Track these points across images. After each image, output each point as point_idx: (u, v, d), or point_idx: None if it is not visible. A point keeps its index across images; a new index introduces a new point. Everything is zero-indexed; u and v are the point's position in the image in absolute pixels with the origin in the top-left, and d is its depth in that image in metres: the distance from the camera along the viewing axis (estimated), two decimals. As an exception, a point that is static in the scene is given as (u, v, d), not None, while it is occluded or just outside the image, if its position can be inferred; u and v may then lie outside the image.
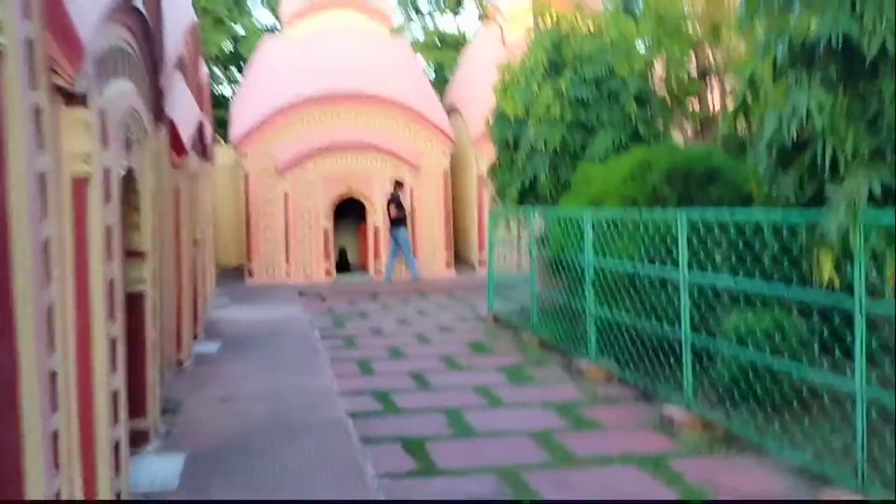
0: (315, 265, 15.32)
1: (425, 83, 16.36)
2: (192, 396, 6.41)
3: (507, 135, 10.47)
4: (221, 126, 20.79)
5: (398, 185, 15.16)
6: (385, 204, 15.08)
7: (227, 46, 22.50)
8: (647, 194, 7.50)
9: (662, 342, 6.49)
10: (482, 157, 15.96)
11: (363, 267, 16.17)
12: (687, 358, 5.85)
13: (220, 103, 22.18)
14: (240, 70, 21.33)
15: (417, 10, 23.47)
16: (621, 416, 6.10)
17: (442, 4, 22.82)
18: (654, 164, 7.59)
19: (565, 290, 8.26)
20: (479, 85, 16.17)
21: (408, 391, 7.07)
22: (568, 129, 9.47)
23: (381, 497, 4.45)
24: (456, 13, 23.00)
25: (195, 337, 8.96)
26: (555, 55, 9.79)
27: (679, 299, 6.01)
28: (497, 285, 14.38)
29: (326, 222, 15.37)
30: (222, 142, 20.31)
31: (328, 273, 15.39)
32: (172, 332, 7.43)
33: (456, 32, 22.50)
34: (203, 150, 9.87)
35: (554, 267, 8.60)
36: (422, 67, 16.78)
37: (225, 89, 23.74)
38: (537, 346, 8.93)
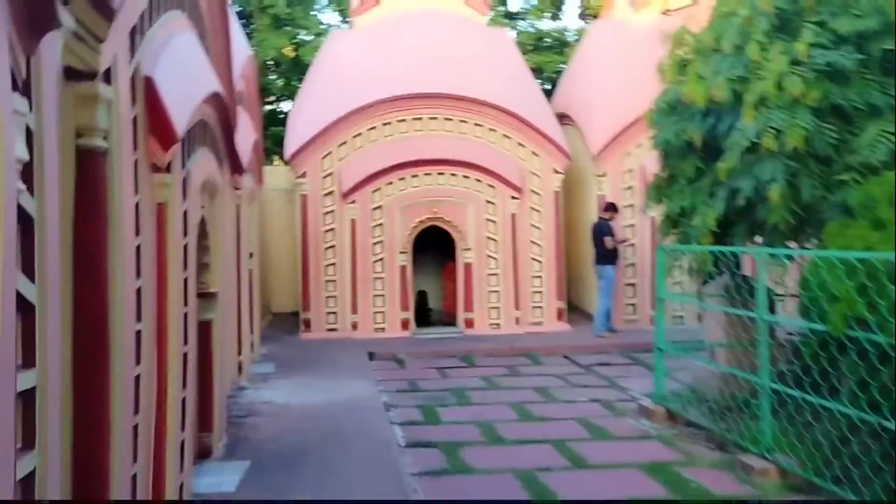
0: (389, 315, 11.81)
1: (531, 83, 12.84)
2: None
3: (691, 132, 6.83)
4: (280, 145, 17.52)
5: (611, 208, 11.72)
6: (593, 233, 11.73)
7: (288, 53, 19.46)
8: None
9: None
10: (605, 177, 12.34)
11: (449, 318, 12.61)
12: None
13: (280, 121, 19.08)
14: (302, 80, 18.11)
15: (511, 17, 19.96)
16: None
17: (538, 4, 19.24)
18: None
19: (860, 395, 4.53)
20: (601, 86, 12.60)
21: None
22: (814, 116, 5.78)
23: None
24: (556, 17, 19.40)
25: (206, 455, 5.50)
26: (785, 2, 6.13)
27: None
28: (637, 348, 10.70)
29: (404, 258, 11.89)
30: (281, 162, 17.17)
31: (406, 326, 11.86)
32: (145, 466, 3.95)
33: (556, 31, 18.92)
34: (232, 156, 6.47)
35: (821, 347, 4.90)
36: (526, 65, 13.24)
37: (285, 105, 20.67)
38: (779, 484, 5.21)
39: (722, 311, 6.80)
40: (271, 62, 18.63)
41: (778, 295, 7.31)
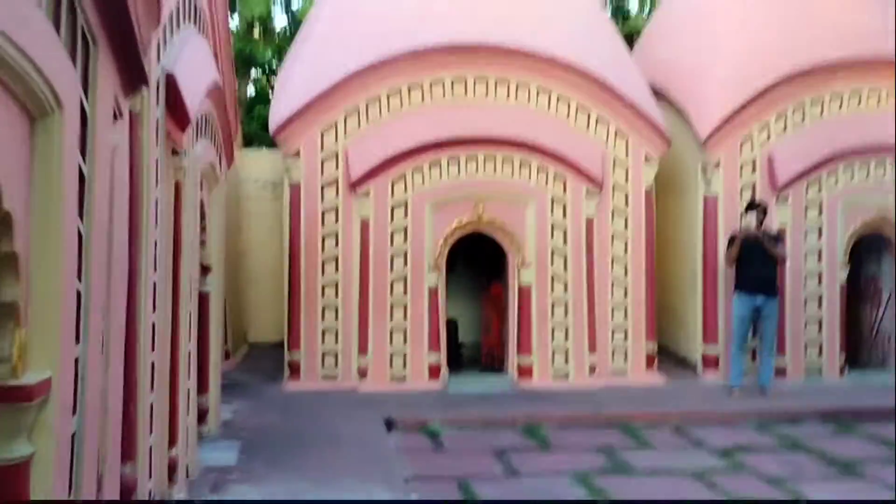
0: (413, 358, 8.27)
1: (615, 40, 9.31)
2: None
3: None
4: (267, 129, 13.91)
5: (756, 207, 8.11)
6: (729, 242, 8.24)
7: (280, 22, 16.07)
8: None
9: None
10: (718, 169, 8.86)
11: (492, 359, 9.07)
12: None
13: (269, 100, 15.51)
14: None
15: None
16: None
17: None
18: None
19: None
20: (708, 47, 9.17)
21: None
22: None
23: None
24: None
25: None
26: None
27: None
28: (778, 416, 7.31)
29: (435, 278, 8.37)
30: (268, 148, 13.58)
31: (435, 374, 8.32)
32: None
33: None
34: (127, 51, 2.88)
35: None
36: (607, 16, 9.75)
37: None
38: None
39: None
40: (258, 26, 15.10)
41: None
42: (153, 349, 4.25)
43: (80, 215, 2.35)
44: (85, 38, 2.38)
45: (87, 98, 2.40)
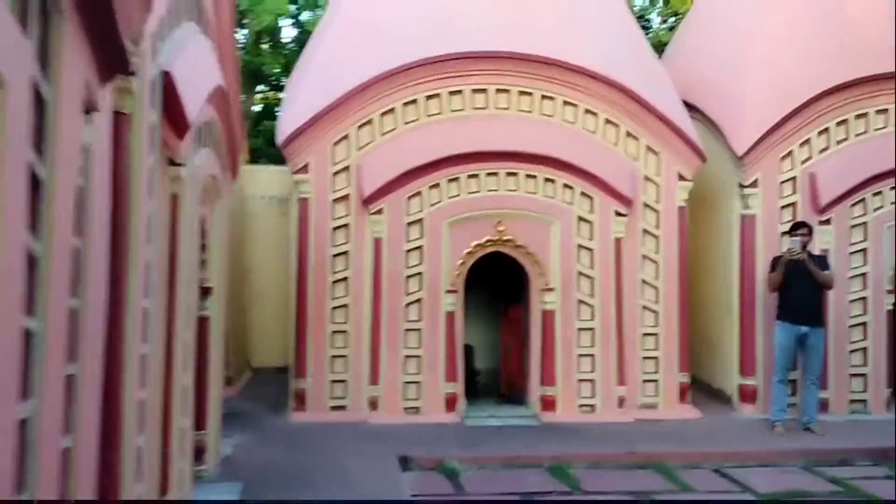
0: (428, 388, 7.70)
1: (645, 50, 8.79)
2: None
3: None
4: (274, 146, 13.43)
5: (801, 228, 7.53)
6: (772, 265, 7.64)
7: (289, 33, 15.60)
8: None
9: None
10: (756, 188, 8.29)
11: (511, 389, 8.49)
12: None
13: (276, 116, 15.03)
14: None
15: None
16: None
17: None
18: None
19: None
20: (744, 57, 8.63)
21: None
22: None
23: None
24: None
25: None
26: None
27: None
28: (826, 455, 6.68)
29: (453, 301, 7.81)
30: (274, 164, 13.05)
31: (452, 405, 7.74)
32: None
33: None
34: (104, 22, 2.35)
35: None
36: (637, 25, 9.20)
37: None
38: None
39: None
40: (267, 39, 14.65)
41: None
42: (143, 386, 3.70)
43: (33, 229, 1.81)
44: (45, 4, 1.84)
45: (46, 80, 1.86)
